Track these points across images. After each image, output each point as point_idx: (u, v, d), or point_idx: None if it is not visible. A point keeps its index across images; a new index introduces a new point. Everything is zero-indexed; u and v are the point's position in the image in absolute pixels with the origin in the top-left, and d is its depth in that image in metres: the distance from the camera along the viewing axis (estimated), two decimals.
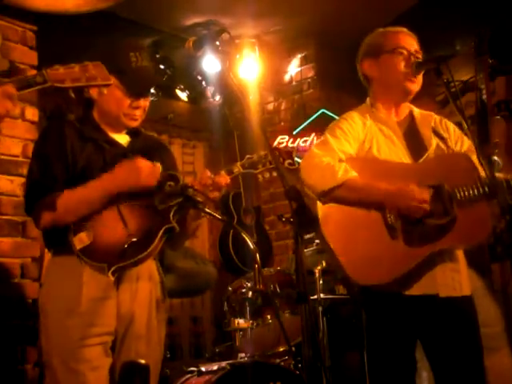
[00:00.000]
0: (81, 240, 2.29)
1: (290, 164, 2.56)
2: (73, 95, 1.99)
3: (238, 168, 2.48)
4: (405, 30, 2.61)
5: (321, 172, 2.40)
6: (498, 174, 2.36)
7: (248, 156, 2.52)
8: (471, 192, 2.34)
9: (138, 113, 2.50)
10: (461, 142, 2.58)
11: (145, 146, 2.58)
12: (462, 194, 2.34)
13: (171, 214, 2.35)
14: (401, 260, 2.35)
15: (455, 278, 2.41)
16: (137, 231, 2.34)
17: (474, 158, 2.56)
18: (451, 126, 2.62)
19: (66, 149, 2.38)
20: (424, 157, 2.50)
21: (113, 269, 2.28)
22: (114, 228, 2.32)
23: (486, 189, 2.32)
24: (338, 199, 2.40)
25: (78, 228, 2.31)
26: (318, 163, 2.42)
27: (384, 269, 2.35)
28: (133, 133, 2.57)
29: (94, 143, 2.45)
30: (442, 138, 2.56)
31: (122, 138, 2.54)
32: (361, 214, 2.40)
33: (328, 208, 2.42)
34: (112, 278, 2.28)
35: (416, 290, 2.37)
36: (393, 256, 2.35)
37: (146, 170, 2.35)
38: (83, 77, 1.94)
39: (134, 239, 2.32)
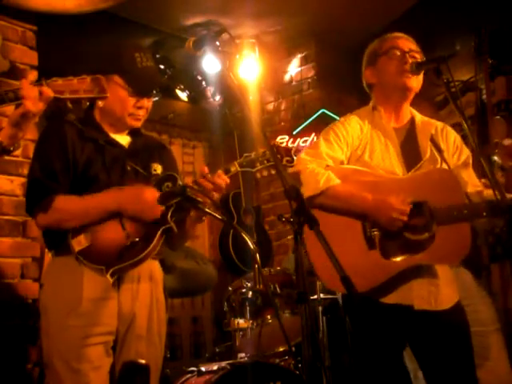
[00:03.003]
0: (79, 242, 2.30)
1: (288, 161, 2.54)
2: (70, 106, 2.03)
3: (235, 167, 2.45)
4: (400, 34, 2.62)
5: (304, 179, 2.42)
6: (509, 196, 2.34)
7: (246, 154, 2.49)
8: (452, 212, 2.34)
9: (142, 113, 2.50)
10: (458, 154, 2.58)
11: (145, 146, 2.58)
12: (443, 213, 2.34)
13: (169, 214, 2.35)
14: (376, 272, 2.35)
15: (432, 292, 2.40)
16: (135, 233, 2.34)
17: (469, 171, 2.56)
18: (452, 136, 2.61)
19: (67, 149, 2.38)
20: (417, 166, 2.50)
21: (111, 271, 2.28)
22: (113, 230, 2.32)
23: (466, 212, 2.33)
24: (321, 206, 2.41)
25: (76, 230, 2.31)
26: (303, 170, 2.44)
27: (359, 279, 2.32)
28: (133, 133, 2.57)
29: (94, 143, 2.45)
30: (438, 149, 2.55)
31: (123, 139, 2.54)
32: (341, 222, 2.40)
33: None
34: (111, 280, 2.29)
35: (392, 298, 2.37)
36: (369, 267, 2.35)
37: (151, 204, 2.34)
38: (81, 89, 1.99)
39: (132, 240, 2.32)
